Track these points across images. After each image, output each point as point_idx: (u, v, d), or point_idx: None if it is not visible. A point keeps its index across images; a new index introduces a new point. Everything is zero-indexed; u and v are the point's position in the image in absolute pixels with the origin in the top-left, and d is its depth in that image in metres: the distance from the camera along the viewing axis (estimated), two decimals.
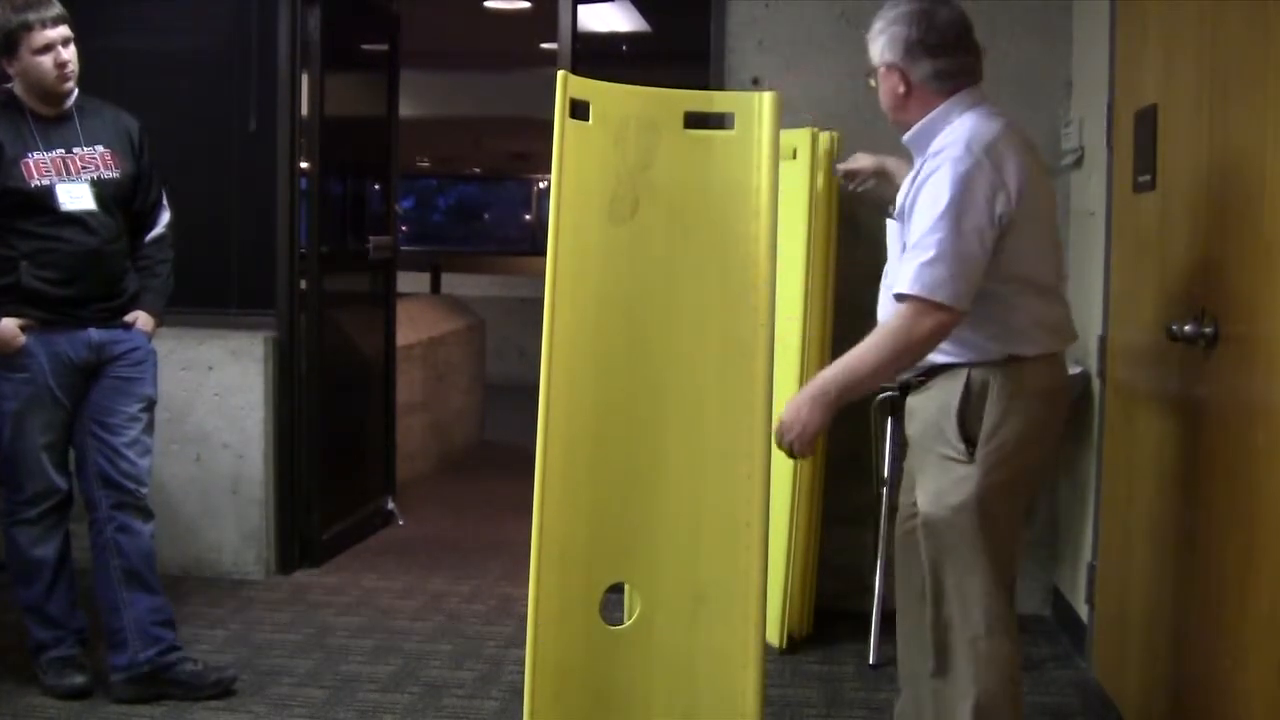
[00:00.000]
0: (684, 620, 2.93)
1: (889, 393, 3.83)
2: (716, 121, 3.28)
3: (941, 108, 2.74)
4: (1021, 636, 2.85)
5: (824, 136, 4.09)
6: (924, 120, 2.75)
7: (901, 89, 2.76)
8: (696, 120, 2.98)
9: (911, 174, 2.74)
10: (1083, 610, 3.99)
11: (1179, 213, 3.09)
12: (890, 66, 2.76)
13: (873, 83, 2.85)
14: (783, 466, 3.85)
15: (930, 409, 2.73)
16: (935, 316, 2.57)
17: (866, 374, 2.66)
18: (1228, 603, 2.67)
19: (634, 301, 2.92)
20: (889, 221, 2.92)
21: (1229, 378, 2.72)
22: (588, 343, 2.85)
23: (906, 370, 2.77)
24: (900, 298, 2.61)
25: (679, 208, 2.92)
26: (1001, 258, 2.62)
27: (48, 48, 3.44)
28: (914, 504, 2.81)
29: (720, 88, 4.36)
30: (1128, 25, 3.65)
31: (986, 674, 2.71)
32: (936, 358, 2.69)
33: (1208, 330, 2.76)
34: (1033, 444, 2.72)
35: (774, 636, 3.95)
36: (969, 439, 2.66)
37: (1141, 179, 3.39)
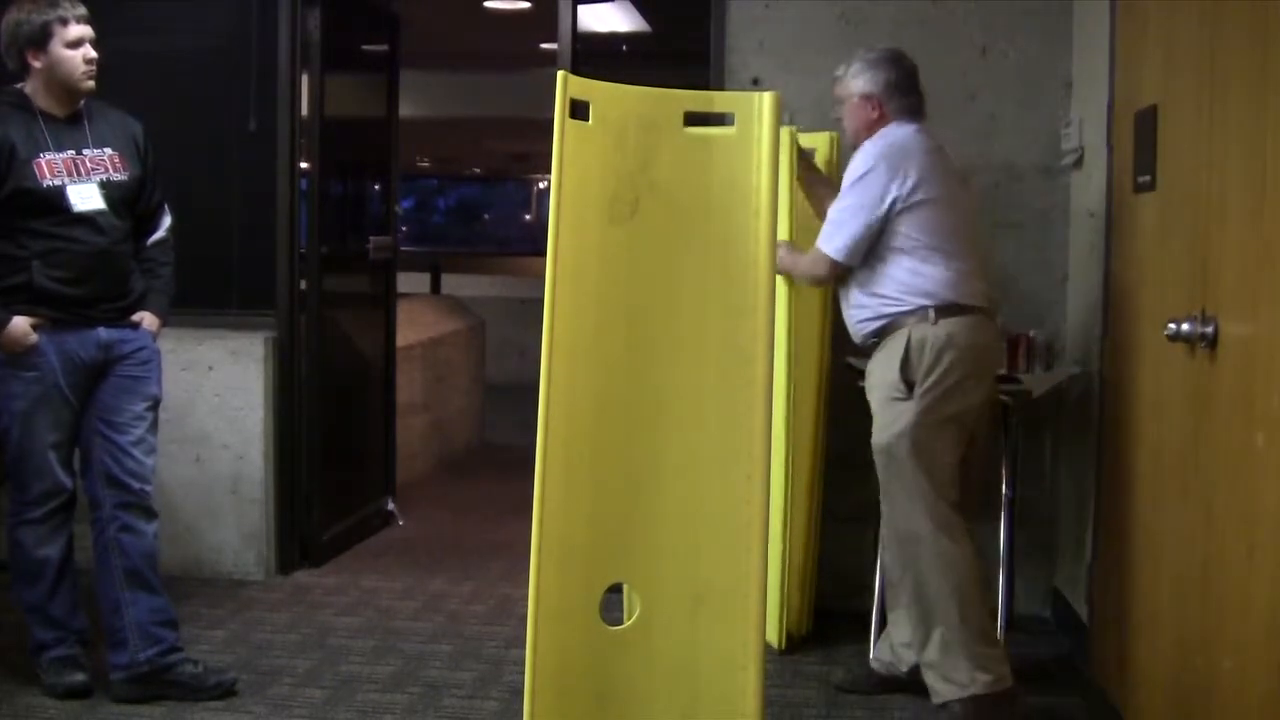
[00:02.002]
0: (684, 620, 2.93)
1: None
2: (716, 121, 3.28)
3: (887, 128, 3.54)
4: (1011, 636, 3.26)
5: (823, 136, 4.12)
6: (873, 135, 3.55)
7: (875, 115, 3.56)
8: (696, 120, 2.99)
9: None
10: (1083, 610, 3.99)
11: (1179, 213, 3.09)
12: (868, 97, 3.57)
13: (839, 110, 3.64)
14: (778, 466, 3.85)
15: (882, 363, 3.50)
16: (825, 263, 3.54)
17: (791, 273, 3.74)
18: (1228, 603, 2.67)
19: (634, 301, 2.92)
20: None
21: (1229, 377, 2.72)
22: (588, 343, 2.84)
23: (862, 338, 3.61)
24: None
25: (679, 208, 2.92)
26: (912, 229, 3.44)
27: (79, 42, 3.48)
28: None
29: (720, 88, 4.36)
30: (1128, 25, 3.65)
31: (945, 573, 3.42)
32: (884, 309, 3.48)
33: (1208, 330, 2.76)
34: (961, 390, 3.45)
35: (773, 636, 3.95)
36: (909, 383, 3.43)
37: (1141, 179, 3.39)
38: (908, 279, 3.46)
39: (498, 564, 5.12)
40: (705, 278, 2.92)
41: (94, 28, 3.54)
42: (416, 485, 6.52)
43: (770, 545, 3.15)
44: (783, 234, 3.91)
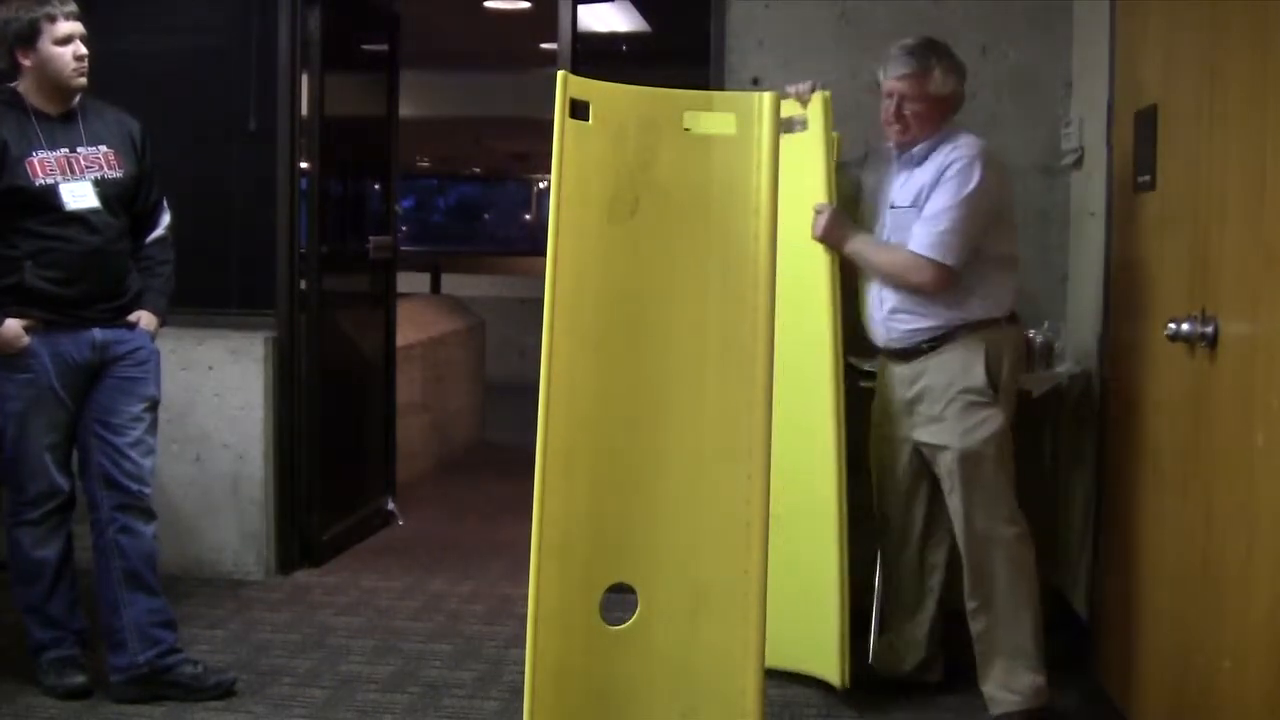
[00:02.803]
0: (684, 620, 2.93)
1: None
2: None
3: (952, 125, 3.50)
4: None
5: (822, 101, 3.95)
6: (940, 134, 3.47)
7: (951, 109, 3.49)
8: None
9: (934, 170, 3.42)
10: (1083, 610, 3.99)
11: (1179, 212, 3.09)
12: (955, 94, 3.49)
13: (915, 107, 3.44)
14: (831, 479, 3.54)
15: (954, 366, 3.43)
16: (934, 270, 3.38)
17: (866, 264, 3.53)
18: (1228, 603, 2.67)
19: (634, 301, 2.92)
20: (890, 211, 3.54)
21: (1229, 377, 2.72)
22: (588, 343, 2.85)
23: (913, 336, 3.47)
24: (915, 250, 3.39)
25: (679, 207, 2.92)
26: (993, 237, 3.43)
27: (69, 39, 3.47)
28: (904, 439, 3.57)
29: (720, 88, 4.36)
30: (1128, 25, 3.65)
31: (1020, 578, 3.44)
32: (958, 319, 3.41)
33: (1208, 330, 2.76)
34: (1018, 393, 3.56)
35: (834, 677, 3.55)
36: (995, 386, 3.41)
37: (1141, 179, 3.40)
38: (991, 289, 3.44)
39: (498, 564, 5.12)
40: (705, 277, 2.92)
41: (94, 27, 3.54)
42: (416, 485, 6.52)
43: (829, 580, 3.37)
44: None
